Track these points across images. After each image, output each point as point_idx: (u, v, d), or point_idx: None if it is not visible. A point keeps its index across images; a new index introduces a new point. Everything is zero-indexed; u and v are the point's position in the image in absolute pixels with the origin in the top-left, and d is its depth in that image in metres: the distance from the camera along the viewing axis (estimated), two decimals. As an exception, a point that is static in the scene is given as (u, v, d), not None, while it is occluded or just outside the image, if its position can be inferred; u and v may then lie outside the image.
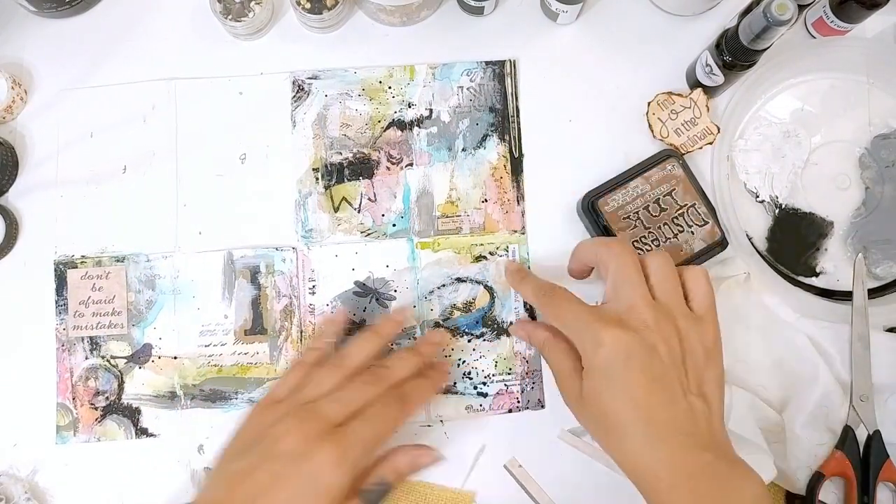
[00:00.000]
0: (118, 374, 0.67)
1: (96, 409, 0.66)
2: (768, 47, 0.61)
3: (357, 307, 0.68)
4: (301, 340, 0.67)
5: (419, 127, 0.71)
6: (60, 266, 0.68)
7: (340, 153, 0.70)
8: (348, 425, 0.52)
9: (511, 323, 0.67)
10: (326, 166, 0.70)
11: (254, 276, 0.68)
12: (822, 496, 0.63)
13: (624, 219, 0.66)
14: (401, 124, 0.71)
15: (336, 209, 0.69)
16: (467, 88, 0.71)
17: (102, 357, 0.67)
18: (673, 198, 0.66)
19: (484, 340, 0.68)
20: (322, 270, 0.68)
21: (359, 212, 0.69)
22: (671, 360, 0.52)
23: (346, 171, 0.70)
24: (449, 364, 0.66)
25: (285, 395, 0.56)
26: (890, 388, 0.65)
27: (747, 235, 0.68)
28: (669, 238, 0.66)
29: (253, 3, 0.69)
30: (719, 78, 0.66)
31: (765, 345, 0.67)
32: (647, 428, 0.50)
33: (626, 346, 0.51)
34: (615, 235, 0.65)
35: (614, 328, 0.52)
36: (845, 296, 0.68)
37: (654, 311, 0.53)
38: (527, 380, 0.67)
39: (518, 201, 0.70)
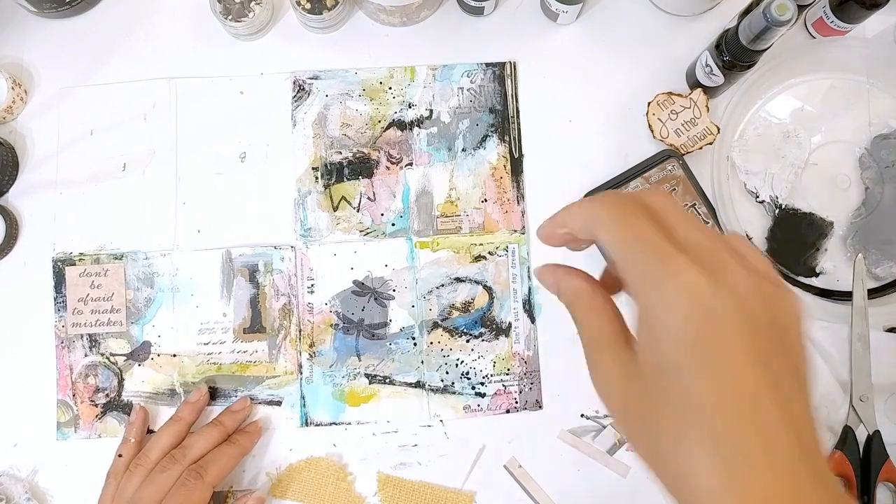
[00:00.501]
0: (118, 371, 0.67)
1: (96, 405, 0.67)
2: (768, 48, 0.61)
3: (356, 306, 0.68)
4: (300, 339, 0.67)
5: (419, 127, 0.71)
6: (59, 263, 0.68)
7: (340, 153, 0.70)
8: None
9: (537, 269, 0.42)
10: (326, 165, 0.70)
11: (252, 274, 0.68)
12: (822, 496, 0.63)
13: (623, 218, 0.66)
14: (401, 124, 0.71)
15: (335, 208, 0.69)
16: (467, 89, 0.71)
17: (102, 354, 0.67)
18: (672, 198, 0.66)
19: (482, 341, 0.68)
20: (321, 269, 0.68)
21: (358, 211, 0.69)
22: (769, 318, 0.32)
23: (346, 170, 0.70)
24: (260, 425, 0.66)
25: None
26: (890, 388, 0.65)
27: (747, 235, 0.68)
28: (669, 238, 0.66)
29: (253, 3, 0.69)
30: (719, 78, 0.66)
31: (764, 345, 0.66)
32: (746, 434, 0.30)
33: (714, 289, 0.31)
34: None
35: (694, 263, 0.31)
36: (845, 296, 0.68)
37: (741, 267, 0.32)
38: (525, 380, 0.67)
39: (518, 201, 0.70)
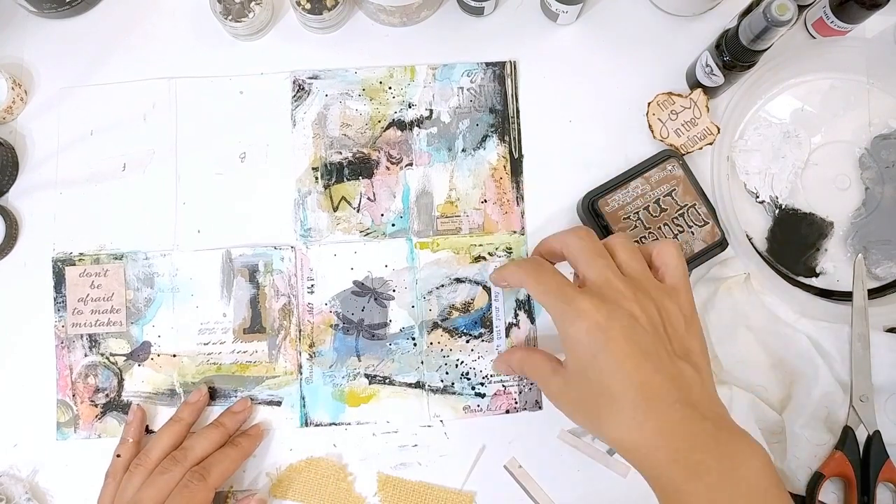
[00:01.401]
0: (117, 371, 0.67)
1: (96, 405, 0.67)
2: (768, 48, 0.61)
3: (356, 307, 0.68)
4: (300, 339, 0.67)
5: (419, 127, 0.71)
6: (59, 263, 0.68)
7: (340, 153, 0.70)
8: None
9: (495, 362, 0.66)
10: (326, 166, 0.70)
11: (252, 274, 0.68)
12: (822, 496, 0.63)
13: (624, 219, 0.66)
14: (401, 124, 0.71)
15: (335, 208, 0.69)
16: (467, 89, 0.71)
17: (102, 354, 0.67)
18: (673, 198, 0.66)
19: (482, 341, 0.68)
20: (321, 270, 0.68)
21: (358, 211, 0.69)
22: (653, 327, 0.50)
23: (346, 170, 0.70)
24: (262, 427, 0.66)
25: None
26: (890, 388, 0.65)
27: (747, 236, 0.68)
28: (669, 238, 0.66)
29: (253, 3, 0.69)
30: (719, 78, 0.66)
31: (765, 345, 0.67)
32: (639, 398, 0.47)
33: (607, 314, 0.49)
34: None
35: (593, 298, 0.50)
36: (845, 296, 0.68)
37: (627, 283, 0.52)
38: (524, 381, 0.67)
39: (518, 202, 0.70)
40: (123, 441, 0.64)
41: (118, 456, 0.63)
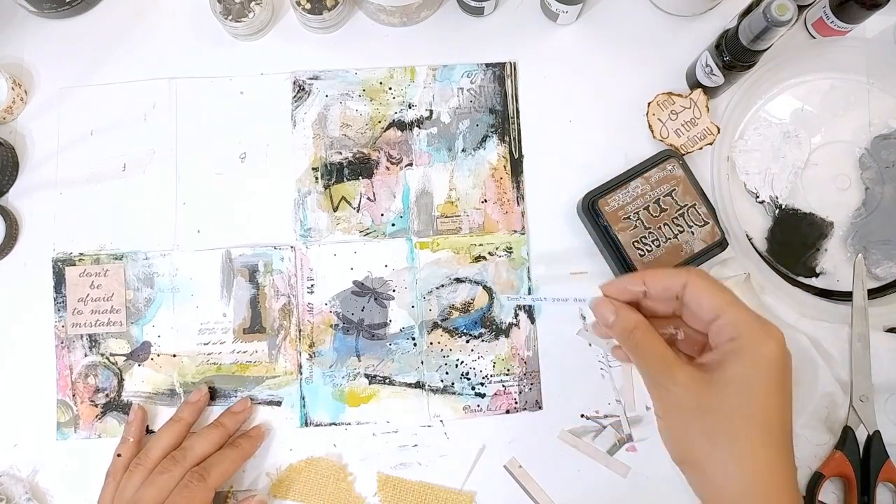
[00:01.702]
0: (117, 371, 0.67)
1: (96, 405, 0.67)
2: (768, 48, 0.61)
3: (355, 306, 0.68)
4: (300, 339, 0.67)
5: (419, 127, 0.71)
6: (59, 263, 0.68)
7: (340, 153, 0.70)
8: None
9: (594, 301, 0.53)
10: (326, 166, 0.70)
11: (252, 274, 0.68)
12: (822, 496, 0.63)
13: (624, 219, 0.66)
14: (401, 125, 0.71)
15: (335, 208, 0.69)
16: (467, 90, 0.71)
17: (102, 354, 0.67)
18: (673, 198, 0.66)
19: (482, 341, 0.68)
20: (320, 270, 0.68)
21: (358, 211, 0.69)
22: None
23: (346, 170, 0.70)
24: (262, 429, 0.66)
25: None
26: (890, 388, 0.65)
27: (747, 236, 0.68)
28: (669, 238, 0.66)
29: (253, 3, 0.69)
30: (719, 78, 0.66)
31: (765, 345, 0.66)
32: (783, 438, 0.47)
33: (787, 360, 0.48)
34: (615, 235, 0.65)
35: (776, 330, 0.48)
36: (845, 296, 0.68)
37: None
38: (525, 381, 0.67)
39: (518, 202, 0.70)
40: (124, 440, 0.64)
41: (119, 455, 0.63)
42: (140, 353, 0.67)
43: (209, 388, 0.66)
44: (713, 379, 0.47)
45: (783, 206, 0.70)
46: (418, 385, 0.67)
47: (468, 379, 0.67)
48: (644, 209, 0.66)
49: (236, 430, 0.65)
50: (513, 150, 0.70)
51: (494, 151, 0.70)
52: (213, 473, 0.61)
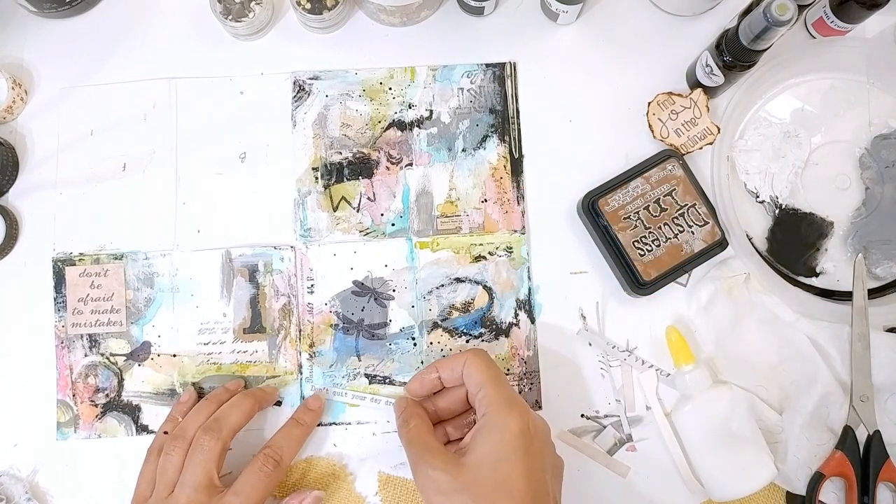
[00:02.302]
0: (118, 371, 0.67)
1: (96, 405, 0.67)
2: (768, 48, 0.61)
3: (355, 306, 0.68)
4: (300, 339, 0.67)
5: (419, 127, 0.71)
6: (59, 263, 0.68)
7: (340, 153, 0.70)
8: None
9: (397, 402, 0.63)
10: (326, 166, 0.70)
11: (252, 274, 0.68)
12: (822, 496, 0.63)
13: (624, 219, 0.66)
14: (401, 125, 0.71)
15: (335, 208, 0.69)
16: (467, 90, 0.71)
17: (102, 354, 0.67)
18: (673, 198, 0.66)
19: (482, 341, 0.68)
20: (320, 269, 0.68)
21: (358, 211, 0.69)
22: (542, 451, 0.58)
23: (346, 170, 0.70)
24: (322, 398, 0.66)
25: (150, 490, 0.60)
26: (890, 388, 0.65)
27: (747, 235, 0.68)
28: (670, 238, 0.66)
29: (253, 3, 0.69)
30: (719, 78, 0.66)
31: (765, 345, 0.66)
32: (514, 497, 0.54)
33: (530, 433, 0.55)
34: (615, 235, 0.65)
35: (521, 406, 0.57)
36: (845, 296, 0.68)
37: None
38: (525, 381, 0.67)
39: (518, 201, 0.70)
40: (172, 419, 0.63)
41: (165, 433, 0.62)
42: (140, 353, 0.67)
43: (210, 386, 0.66)
44: (467, 460, 0.54)
45: (783, 206, 0.70)
46: (418, 385, 0.67)
47: (468, 379, 0.67)
48: (644, 209, 0.66)
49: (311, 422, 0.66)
50: (513, 149, 0.70)
51: (494, 151, 0.70)
52: (284, 456, 0.61)
